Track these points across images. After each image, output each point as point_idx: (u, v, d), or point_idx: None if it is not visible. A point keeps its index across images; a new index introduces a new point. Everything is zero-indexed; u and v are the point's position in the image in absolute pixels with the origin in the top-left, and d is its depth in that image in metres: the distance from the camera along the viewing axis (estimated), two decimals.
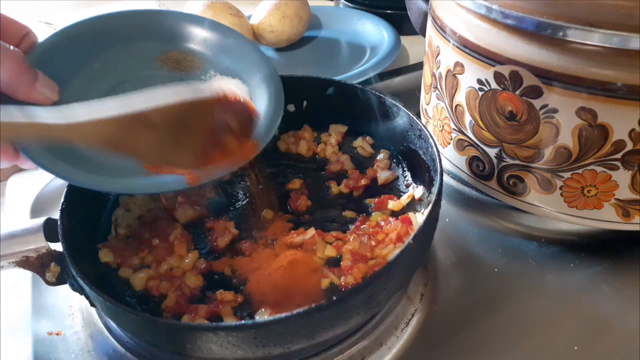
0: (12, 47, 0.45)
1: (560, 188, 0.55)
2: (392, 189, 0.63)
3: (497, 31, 0.52)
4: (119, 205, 0.60)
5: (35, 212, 0.70)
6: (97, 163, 0.51)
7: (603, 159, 0.51)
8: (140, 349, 0.52)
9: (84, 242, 0.55)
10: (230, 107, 0.47)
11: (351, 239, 0.55)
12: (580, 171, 0.52)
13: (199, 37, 0.61)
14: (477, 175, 0.62)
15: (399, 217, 0.55)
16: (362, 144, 0.68)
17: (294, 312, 0.40)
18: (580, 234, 0.62)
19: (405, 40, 1.02)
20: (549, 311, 0.55)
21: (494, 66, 0.53)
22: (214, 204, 0.61)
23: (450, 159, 0.65)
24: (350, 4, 1.14)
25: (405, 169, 0.65)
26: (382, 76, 0.91)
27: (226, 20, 0.89)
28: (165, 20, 0.61)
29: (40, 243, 0.49)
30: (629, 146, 0.49)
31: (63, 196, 0.52)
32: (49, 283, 0.51)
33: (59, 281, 0.51)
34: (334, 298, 0.41)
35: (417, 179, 0.62)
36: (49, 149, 0.48)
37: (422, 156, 0.60)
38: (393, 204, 0.59)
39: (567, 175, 0.53)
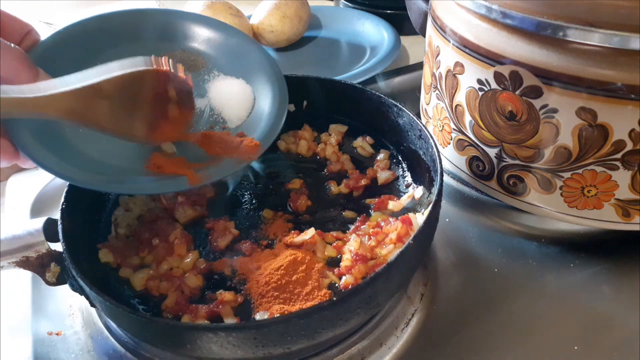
0: (12, 45, 0.45)
1: (560, 188, 0.55)
2: (392, 189, 0.63)
3: (497, 31, 0.52)
4: (119, 205, 0.60)
5: (35, 212, 0.70)
6: (97, 163, 0.51)
7: (603, 159, 0.51)
8: (140, 349, 0.52)
9: (84, 242, 0.55)
10: (166, 77, 0.51)
11: (351, 239, 0.55)
12: (580, 171, 0.52)
13: (202, 37, 0.61)
14: (477, 175, 0.62)
15: (399, 218, 0.55)
16: (362, 144, 0.68)
17: (294, 312, 0.40)
18: (580, 234, 0.62)
19: (405, 40, 1.02)
20: (549, 311, 0.55)
21: (494, 66, 0.53)
22: (214, 204, 0.62)
23: (450, 159, 0.65)
24: (350, 4, 1.14)
25: (405, 169, 0.65)
26: (382, 76, 0.91)
27: (226, 20, 0.89)
28: (168, 19, 0.60)
29: (40, 243, 0.49)
30: (629, 146, 0.49)
31: (63, 196, 0.52)
32: (49, 283, 0.51)
33: (59, 281, 0.51)
34: (334, 298, 0.41)
35: (417, 179, 0.62)
36: (49, 149, 0.48)
37: (422, 156, 0.60)
38: (393, 204, 0.59)
39: (567, 175, 0.53)
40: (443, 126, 0.64)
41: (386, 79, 0.92)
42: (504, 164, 0.58)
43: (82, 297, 0.51)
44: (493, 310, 0.55)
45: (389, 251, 0.53)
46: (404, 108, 0.61)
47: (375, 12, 1.07)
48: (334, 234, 0.56)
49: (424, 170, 0.60)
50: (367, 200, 0.61)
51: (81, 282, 0.46)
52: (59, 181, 0.73)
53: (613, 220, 0.55)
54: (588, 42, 0.46)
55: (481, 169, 0.61)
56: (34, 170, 0.77)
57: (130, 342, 0.53)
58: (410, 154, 0.63)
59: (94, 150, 0.51)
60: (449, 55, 0.59)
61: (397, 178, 0.64)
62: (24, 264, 0.49)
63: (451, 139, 0.63)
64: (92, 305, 0.52)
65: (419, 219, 0.55)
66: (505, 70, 0.52)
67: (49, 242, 0.50)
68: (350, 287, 0.50)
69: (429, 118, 0.68)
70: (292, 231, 0.57)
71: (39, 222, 0.50)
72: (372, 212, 0.60)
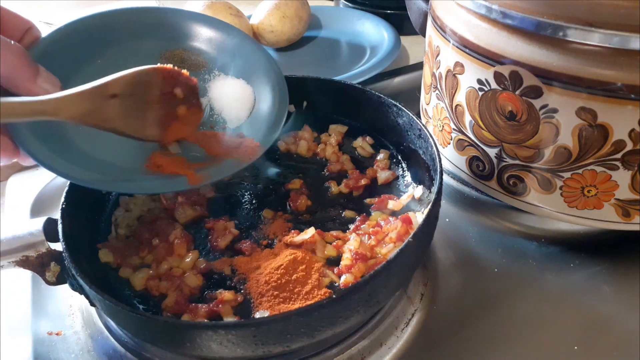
0: (12, 42, 0.45)
1: (560, 188, 0.55)
2: (392, 188, 0.63)
3: (497, 31, 0.52)
4: (119, 205, 0.60)
5: (35, 212, 0.70)
6: (98, 161, 0.51)
7: (603, 159, 0.51)
8: (140, 348, 0.52)
9: (84, 242, 0.55)
10: (171, 76, 0.52)
11: (351, 239, 0.55)
12: (580, 171, 0.52)
13: (204, 36, 0.61)
14: (477, 175, 0.62)
15: (399, 217, 0.55)
16: (362, 144, 0.68)
17: (294, 310, 0.40)
18: (580, 234, 0.62)
19: (405, 40, 1.02)
20: (549, 311, 0.55)
21: (494, 66, 0.53)
22: (214, 204, 0.62)
23: (450, 159, 0.65)
24: (350, 4, 1.14)
25: (405, 168, 0.65)
26: (382, 76, 0.91)
27: (226, 20, 0.89)
28: (170, 17, 0.60)
29: (40, 243, 0.49)
30: (629, 146, 0.49)
31: (63, 196, 0.52)
32: (49, 283, 0.51)
33: (59, 281, 0.51)
34: (334, 296, 0.41)
35: (417, 178, 0.62)
36: (49, 147, 0.48)
37: (422, 156, 0.60)
38: (393, 204, 0.59)
39: (567, 175, 0.53)
40: (443, 126, 0.64)
41: (386, 79, 0.92)
42: (504, 164, 0.58)
43: (82, 296, 0.51)
44: (493, 310, 0.55)
45: (389, 250, 0.53)
46: (403, 108, 0.61)
47: (375, 12, 1.07)
48: (334, 233, 0.56)
49: (423, 169, 0.60)
50: (367, 200, 0.61)
51: (81, 281, 0.46)
52: (59, 181, 0.73)
53: (613, 220, 0.55)
54: (588, 42, 0.46)
55: (481, 169, 0.61)
56: (34, 170, 0.77)
57: (130, 342, 0.53)
58: (410, 153, 0.63)
59: (94, 149, 0.51)
60: (449, 55, 0.59)
61: (397, 178, 0.64)
62: (24, 263, 0.49)
63: (451, 139, 0.63)
64: (92, 304, 0.51)
65: (419, 218, 0.55)
66: (505, 70, 0.52)
67: (49, 242, 0.50)
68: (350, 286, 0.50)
69: (429, 118, 0.68)
70: (292, 231, 0.57)
71: (39, 222, 0.50)
72: (372, 211, 0.60)
